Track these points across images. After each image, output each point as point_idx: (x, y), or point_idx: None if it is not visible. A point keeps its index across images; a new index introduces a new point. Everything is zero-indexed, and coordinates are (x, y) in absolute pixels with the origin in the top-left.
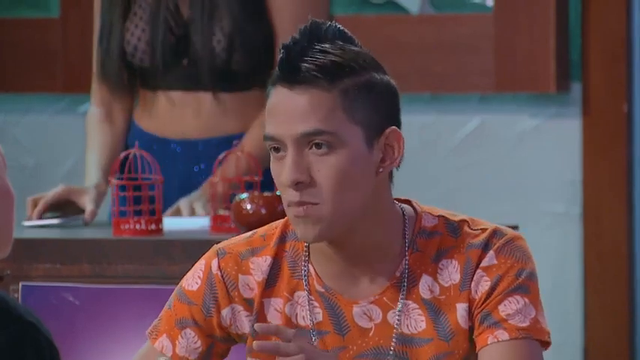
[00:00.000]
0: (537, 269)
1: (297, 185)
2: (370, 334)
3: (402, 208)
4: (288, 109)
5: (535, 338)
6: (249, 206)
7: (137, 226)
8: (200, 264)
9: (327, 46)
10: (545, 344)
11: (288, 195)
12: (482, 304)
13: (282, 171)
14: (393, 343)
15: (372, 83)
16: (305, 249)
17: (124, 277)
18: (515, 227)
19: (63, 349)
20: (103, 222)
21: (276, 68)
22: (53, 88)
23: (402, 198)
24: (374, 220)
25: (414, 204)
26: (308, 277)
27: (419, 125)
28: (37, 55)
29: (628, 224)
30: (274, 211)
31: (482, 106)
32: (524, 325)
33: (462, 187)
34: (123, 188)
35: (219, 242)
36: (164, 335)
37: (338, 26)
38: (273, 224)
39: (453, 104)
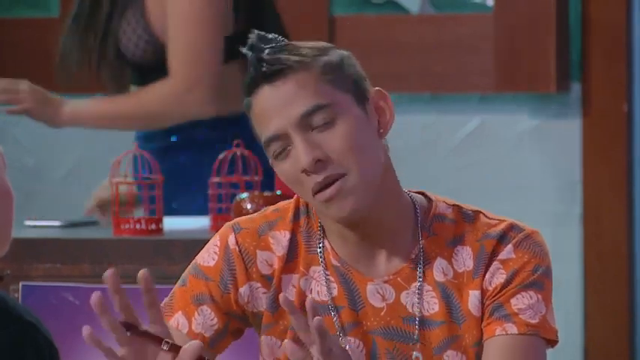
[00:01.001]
0: None
1: (317, 164)
2: (382, 313)
3: (412, 197)
4: (278, 102)
5: (542, 336)
6: (249, 206)
7: (137, 226)
8: (215, 240)
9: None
10: (553, 342)
11: (311, 181)
12: (495, 295)
13: (296, 161)
14: (403, 324)
15: (339, 57)
16: (319, 227)
17: (124, 277)
18: None
19: (63, 349)
20: (103, 222)
21: (249, 74)
22: (53, 88)
23: (414, 190)
24: (387, 202)
25: (427, 194)
26: (324, 251)
27: (419, 125)
28: (36, 55)
29: (628, 224)
30: None
31: (483, 106)
32: (534, 321)
33: (462, 187)
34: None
35: None
36: (179, 312)
37: (283, 40)
38: (285, 201)
39: (453, 104)
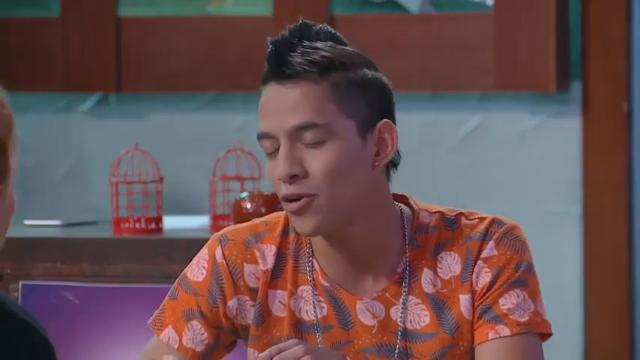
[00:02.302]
0: (537, 267)
1: (291, 179)
2: (374, 330)
3: (401, 210)
4: (279, 104)
5: (535, 332)
6: (249, 205)
7: (137, 225)
8: (203, 253)
9: (316, 43)
10: (547, 336)
11: (283, 190)
12: (483, 296)
13: (276, 166)
14: (396, 339)
15: (363, 78)
16: (308, 245)
17: (124, 277)
18: None
19: (63, 349)
20: (104, 221)
21: (266, 65)
22: (53, 88)
23: (398, 193)
24: (373, 219)
25: (411, 201)
26: (312, 271)
27: (419, 124)
28: (37, 55)
29: (628, 223)
30: (274, 210)
31: (483, 105)
32: (523, 319)
33: (462, 186)
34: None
35: None
36: (169, 327)
37: (329, 28)
38: (275, 214)
39: (454, 103)
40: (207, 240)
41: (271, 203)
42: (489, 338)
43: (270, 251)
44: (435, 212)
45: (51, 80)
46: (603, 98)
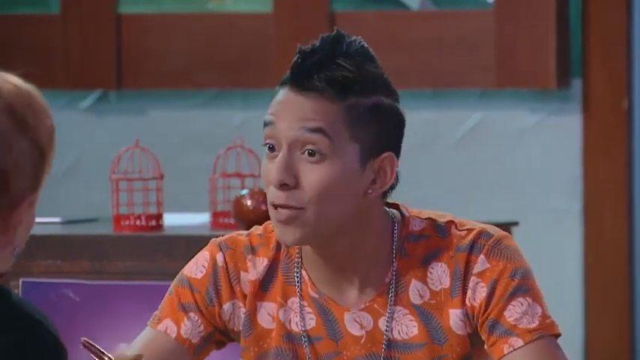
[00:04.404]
0: (537, 266)
1: (282, 186)
2: (362, 341)
3: (391, 215)
4: (291, 111)
5: (548, 334)
6: (249, 202)
7: (137, 223)
8: (203, 255)
9: (343, 60)
10: (557, 336)
11: (272, 195)
12: (485, 311)
13: (271, 169)
14: (384, 350)
15: (379, 107)
16: (297, 255)
17: (125, 274)
18: (515, 224)
19: None
20: (104, 218)
21: (289, 70)
22: (53, 85)
23: (390, 202)
24: (363, 232)
25: (402, 208)
26: (301, 282)
27: (419, 121)
28: (37, 52)
29: (628, 220)
30: None
31: (483, 102)
32: (533, 325)
33: (463, 184)
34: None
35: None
36: (167, 319)
37: (362, 42)
38: (271, 226)
39: (454, 100)
40: (208, 237)
41: None
42: (505, 353)
43: (261, 263)
44: (425, 218)
45: (51, 77)
46: (603, 95)
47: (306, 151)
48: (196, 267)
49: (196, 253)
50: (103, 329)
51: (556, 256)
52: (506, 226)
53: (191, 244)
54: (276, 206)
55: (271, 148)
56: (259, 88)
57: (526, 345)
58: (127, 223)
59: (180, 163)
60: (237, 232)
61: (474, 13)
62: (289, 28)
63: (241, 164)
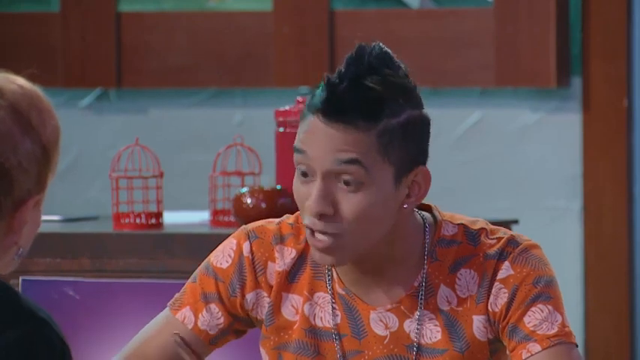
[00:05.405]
0: None
1: (320, 217)
2: (385, 341)
3: (423, 217)
4: (323, 142)
5: (567, 341)
6: (249, 200)
7: (137, 220)
8: (230, 242)
9: (370, 81)
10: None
11: (310, 222)
12: (506, 316)
13: (308, 197)
14: (407, 352)
15: (409, 123)
16: None
17: (125, 272)
18: (515, 222)
19: None
20: (104, 216)
21: (318, 99)
22: (53, 83)
23: (424, 203)
24: (394, 238)
25: (435, 211)
26: (332, 280)
27: None
28: (37, 50)
29: (628, 219)
30: (274, 206)
31: (483, 100)
32: (552, 332)
33: (463, 182)
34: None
35: (218, 236)
36: (187, 307)
37: (382, 49)
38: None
39: (454, 98)
40: (207, 235)
41: (271, 199)
42: (523, 358)
43: (289, 254)
44: (458, 224)
45: (51, 76)
46: (603, 94)
47: (342, 180)
48: (222, 256)
49: (196, 251)
50: (103, 327)
51: (556, 254)
52: (506, 224)
53: (191, 242)
54: (313, 232)
55: (304, 174)
56: (259, 86)
57: (544, 350)
58: (127, 221)
59: (180, 162)
60: (269, 219)
61: (474, 12)
62: (289, 27)
63: (241, 162)
